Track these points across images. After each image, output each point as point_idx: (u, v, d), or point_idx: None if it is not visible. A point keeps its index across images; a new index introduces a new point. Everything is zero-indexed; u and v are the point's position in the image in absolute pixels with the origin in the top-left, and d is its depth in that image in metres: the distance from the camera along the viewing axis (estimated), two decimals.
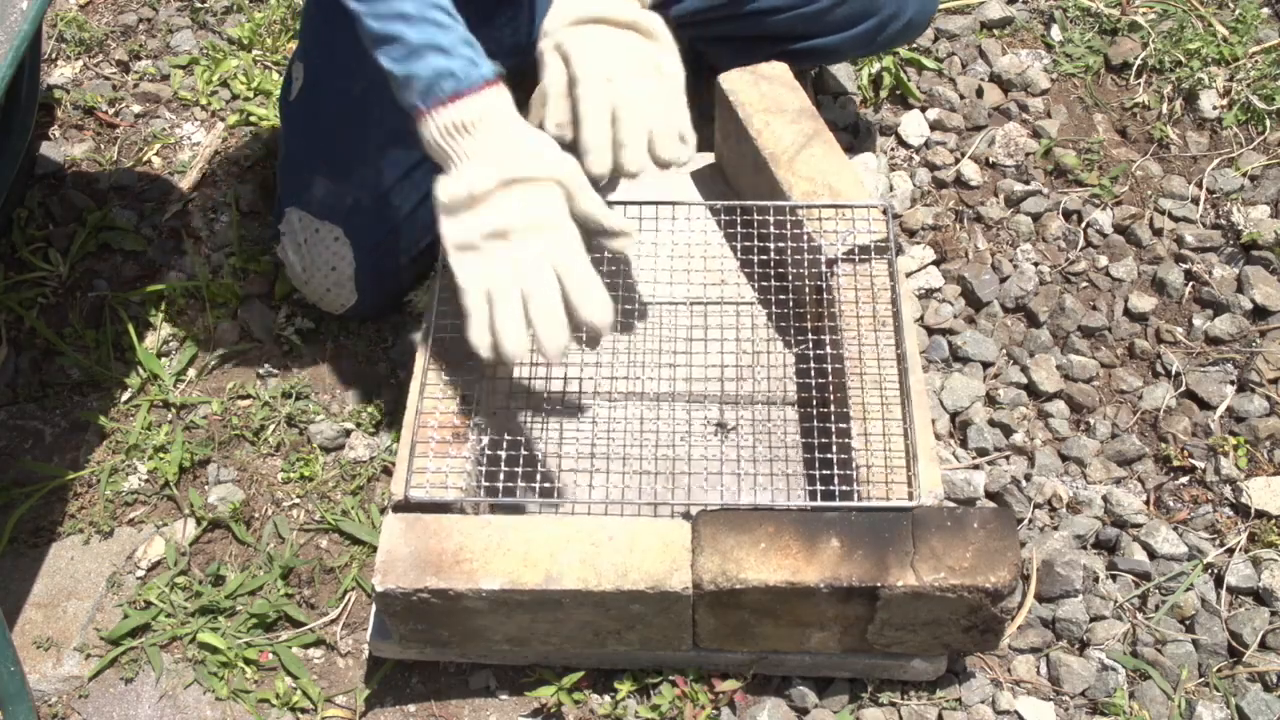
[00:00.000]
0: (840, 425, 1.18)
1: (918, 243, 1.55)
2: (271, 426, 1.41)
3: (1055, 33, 1.77)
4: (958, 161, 1.63)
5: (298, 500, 1.36)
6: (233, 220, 1.59)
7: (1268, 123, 1.63)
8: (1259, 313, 1.45)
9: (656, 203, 1.35)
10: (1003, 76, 1.71)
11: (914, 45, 1.75)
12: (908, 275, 1.51)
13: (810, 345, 1.25)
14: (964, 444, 1.37)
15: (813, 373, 1.24)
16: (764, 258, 1.34)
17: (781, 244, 1.31)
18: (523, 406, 1.31)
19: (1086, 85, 1.71)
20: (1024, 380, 1.42)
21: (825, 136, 1.34)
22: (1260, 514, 1.29)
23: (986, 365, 1.44)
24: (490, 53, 1.39)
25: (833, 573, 1.04)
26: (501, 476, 1.16)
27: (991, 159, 1.63)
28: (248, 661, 1.24)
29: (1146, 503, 1.33)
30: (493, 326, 1.07)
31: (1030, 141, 1.64)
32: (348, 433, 1.40)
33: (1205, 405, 1.39)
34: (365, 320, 1.49)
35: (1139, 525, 1.29)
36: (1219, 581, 1.26)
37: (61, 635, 1.27)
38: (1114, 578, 1.27)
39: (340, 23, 1.41)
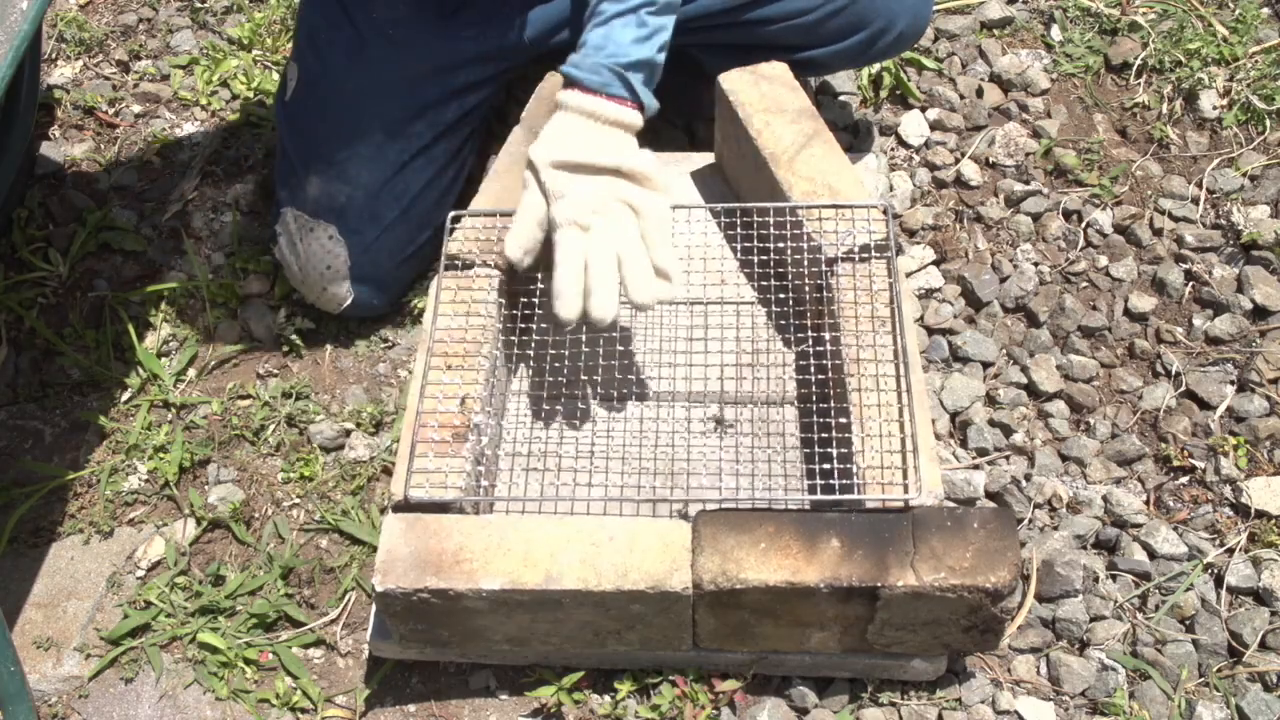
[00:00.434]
0: (840, 425, 1.18)
1: (918, 243, 1.55)
2: (271, 426, 1.41)
3: (1055, 33, 1.77)
4: (958, 161, 1.63)
5: (298, 500, 1.36)
6: (233, 220, 1.59)
7: (1268, 123, 1.63)
8: (1259, 313, 1.45)
9: None
10: (1003, 76, 1.71)
11: (914, 45, 1.75)
12: (908, 275, 1.51)
13: (810, 345, 1.25)
14: (964, 444, 1.37)
15: (813, 372, 1.24)
16: (764, 258, 1.34)
17: (781, 244, 1.31)
18: (523, 406, 1.31)
19: (1086, 85, 1.71)
20: (1024, 380, 1.42)
21: (825, 136, 1.34)
22: (1260, 514, 1.29)
23: (986, 365, 1.44)
24: (450, 58, 1.40)
25: (833, 573, 1.04)
26: (501, 476, 1.16)
27: (991, 159, 1.63)
28: (248, 661, 1.24)
29: (1146, 503, 1.33)
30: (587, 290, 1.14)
31: (1030, 141, 1.64)
32: (348, 433, 1.40)
33: (1205, 405, 1.39)
34: (364, 319, 1.49)
35: (1139, 525, 1.29)
36: (1219, 581, 1.26)
37: (61, 635, 1.27)
38: (1114, 578, 1.26)
39: (333, 21, 1.42)
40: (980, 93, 1.70)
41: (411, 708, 1.22)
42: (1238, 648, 1.21)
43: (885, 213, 1.25)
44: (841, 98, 1.70)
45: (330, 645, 1.26)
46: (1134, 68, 1.70)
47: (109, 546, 1.34)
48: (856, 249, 1.24)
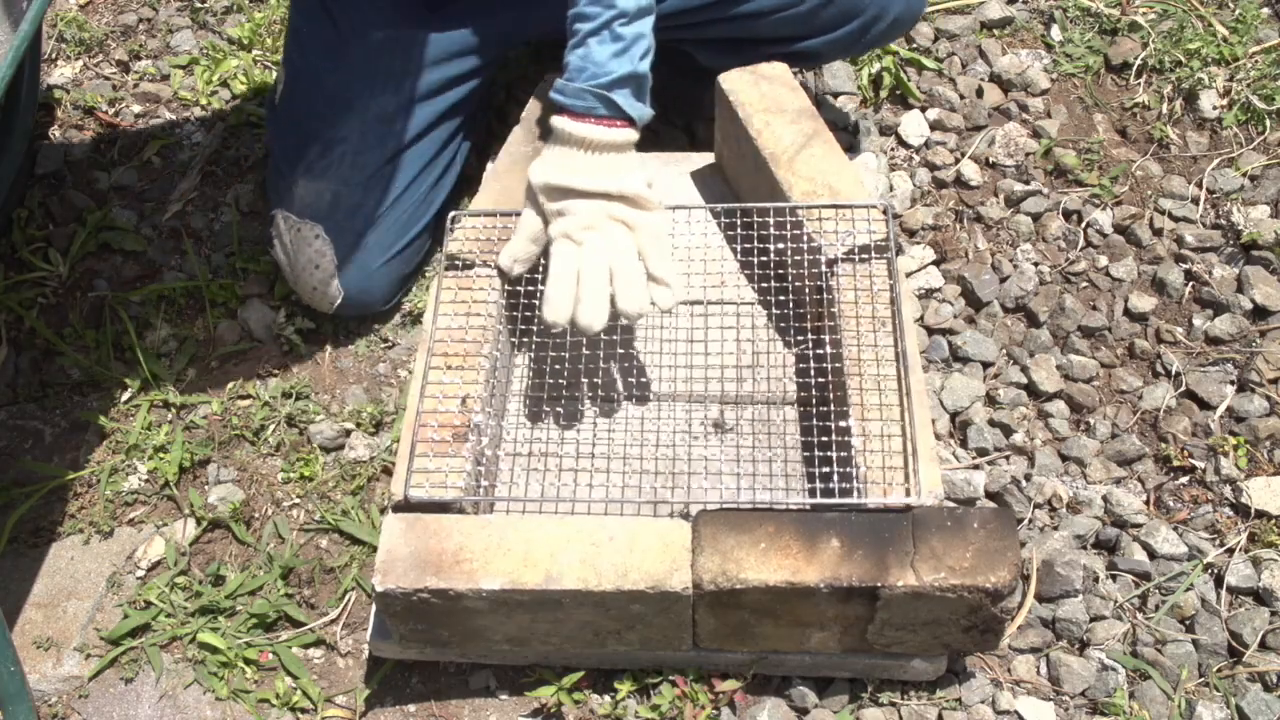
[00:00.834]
0: (840, 425, 1.18)
1: (918, 243, 1.55)
2: (271, 426, 1.41)
3: (1055, 33, 1.77)
4: (958, 161, 1.63)
5: (298, 500, 1.36)
6: (233, 220, 1.59)
7: (1268, 123, 1.63)
8: (1259, 313, 1.45)
9: None
10: (1003, 76, 1.71)
11: (914, 45, 1.75)
12: (908, 275, 1.51)
13: (810, 345, 1.25)
14: (964, 444, 1.37)
15: (813, 373, 1.24)
16: (764, 258, 1.34)
17: (782, 244, 1.31)
18: (523, 406, 1.31)
19: (1086, 85, 1.71)
20: (1024, 380, 1.42)
21: (825, 136, 1.34)
22: (1260, 514, 1.29)
23: (986, 365, 1.44)
24: (432, 53, 1.41)
25: (833, 573, 1.04)
26: (501, 476, 1.16)
27: (991, 159, 1.63)
28: (248, 661, 1.24)
29: (1146, 503, 1.33)
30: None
31: (1030, 141, 1.64)
32: (348, 433, 1.40)
33: (1205, 405, 1.39)
34: (363, 319, 1.49)
35: (1139, 525, 1.29)
36: (1219, 581, 1.26)
37: (61, 635, 1.27)
38: (1114, 578, 1.26)
39: (314, 21, 1.44)
40: (980, 93, 1.70)
41: (411, 708, 1.22)
42: (1238, 648, 1.21)
43: (885, 213, 1.25)
44: (841, 98, 1.70)
45: (330, 645, 1.26)
46: (1134, 68, 1.70)
47: (109, 546, 1.34)
48: (856, 249, 1.24)
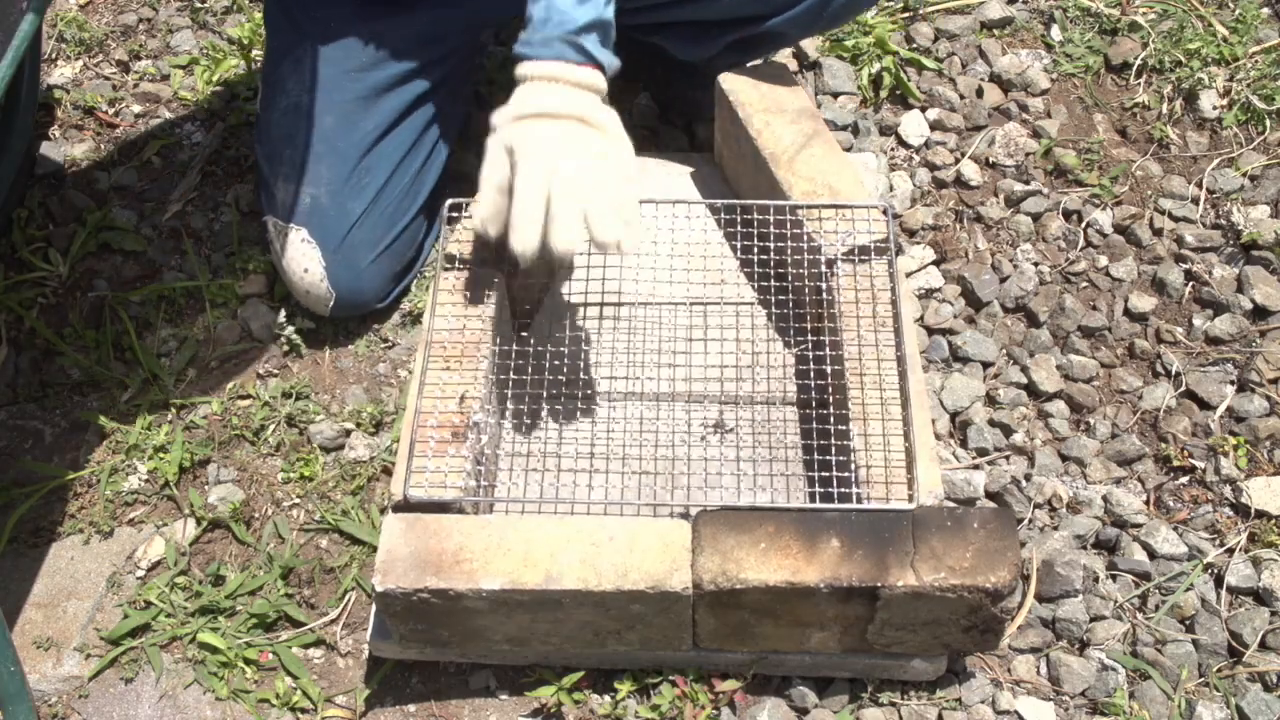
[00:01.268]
0: (840, 425, 1.18)
1: (918, 243, 1.55)
2: (271, 426, 1.41)
3: (1055, 33, 1.77)
4: (958, 161, 1.63)
5: (298, 500, 1.36)
6: (233, 220, 1.59)
7: (1268, 123, 1.63)
8: (1259, 313, 1.45)
9: (657, 201, 1.35)
10: (1003, 76, 1.71)
11: (914, 45, 1.75)
12: (908, 275, 1.51)
13: (810, 345, 1.25)
14: (964, 444, 1.37)
15: (812, 373, 1.24)
16: (764, 258, 1.34)
17: (781, 244, 1.31)
18: (522, 406, 1.31)
19: (1086, 85, 1.71)
20: (1024, 380, 1.42)
21: (825, 136, 1.34)
22: (1260, 514, 1.29)
23: (986, 365, 1.44)
24: (393, 44, 1.40)
25: (833, 573, 1.04)
26: (501, 476, 1.16)
27: (991, 159, 1.63)
28: (248, 661, 1.24)
29: (1146, 503, 1.33)
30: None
31: (1030, 141, 1.64)
32: (348, 433, 1.40)
33: (1205, 405, 1.39)
34: (362, 319, 1.49)
35: (1139, 525, 1.29)
36: (1219, 581, 1.26)
37: (61, 635, 1.27)
38: (1114, 578, 1.26)
39: (277, 26, 1.45)
40: (980, 93, 1.70)
41: (411, 708, 1.22)
42: (1238, 648, 1.21)
43: (885, 213, 1.25)
44: (841, 98, 1.70)
45: (330, 645, 1.26)
46: (1134, 68, 1.70)
47: (109, 546, 1.34)
48: (856, 249, 1.24)
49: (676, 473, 1.25)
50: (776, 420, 1.29)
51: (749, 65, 1.45)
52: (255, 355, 1.48)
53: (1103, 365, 1.43)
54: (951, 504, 1.28)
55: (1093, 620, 1.23)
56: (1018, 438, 1.37)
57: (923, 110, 1.68)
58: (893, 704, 1.18)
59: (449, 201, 1.29)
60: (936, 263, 1.53)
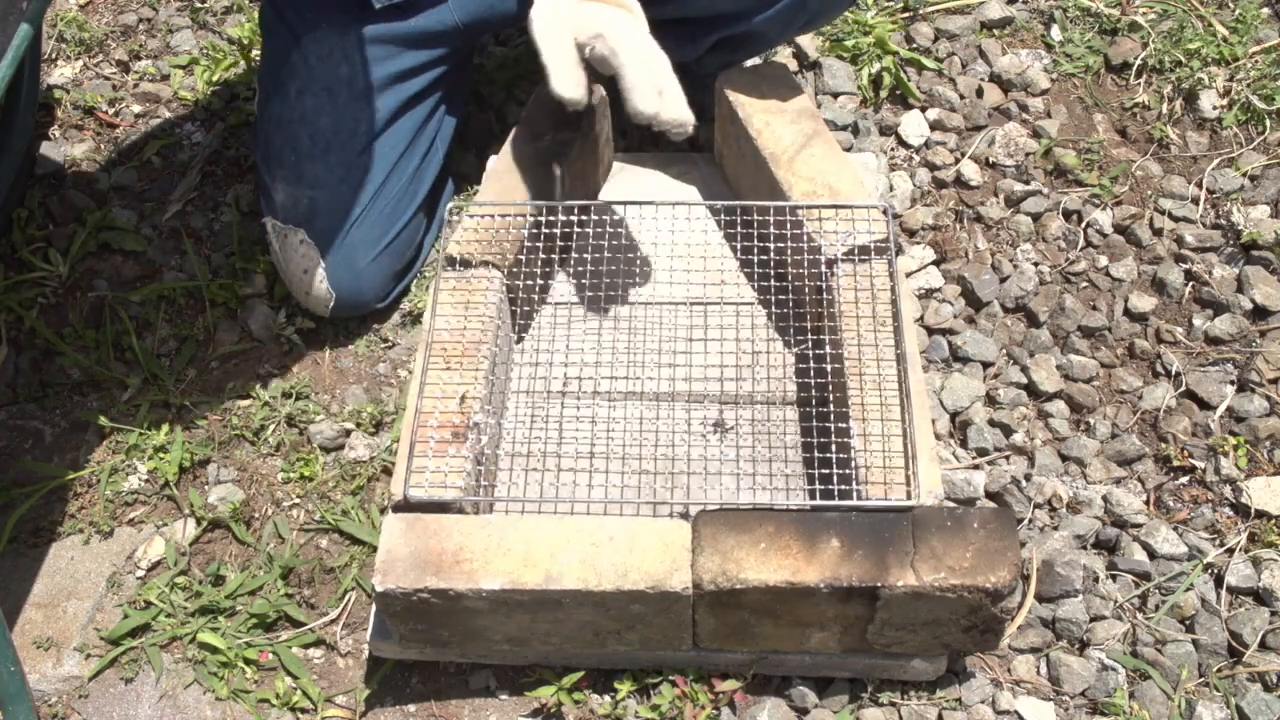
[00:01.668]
0: (840, 425, 1.18)
1: (918, 243, 1.55)
2: (271, 426, 1.41)
3: (1055, 33, 1.77)
4: (958, 161, 1.63)
5: (298, 500, 1.36)
6: (233, 220, 1.59)
7: (1268, 123, 1.63)
8: (1259, 313, 1.45)
9: (657, 203, 1.35)
10: (1003, 76, 1.71)
11: (914, 45, 1.75)
12: (908, 275, 1.51)
13: (810, 345, 1.25)
14: (964, 444, 1.37)
15: (812, 373, 1.24)
16: (764, 258, 1.34)
17: (781, 244, 1.31)
18: (523, 406, 1.31)
19: (1086, 85, 1.71)
20: (1024, 380, 1.42)
21: (825, 136, 1.34)
22: (1260, 514, 1.29)
23: (986, 365, 1.44)
24: (385, 45, 1.40)
25: (833, 573, 1.04)
26: (501, 476, 1.16)
27: (991, 159, 1.63)
28: (248, 661, 1.24)
29: (1146, 503, 1.33)
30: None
31: (1030, 141, 1.64)
32: (348, 433, 1.40)
33: (1205, 405, 1.39)
34: (362, 319, 1.49)
35: (1139, 525, 1.29)
36: (1219, 581, 1.26)
37: (61, 635, 1.27)
38: (1114, 578, 1.26)
39: (271, 29, 1.45)
40: (980, 93, 1.70)
41: (411, 708, 1.22)
42: (1238, 648, 1.21)
43: (885, 213, 1.25)
44: (841, 98, 1.70)
45: (330, 645, 1.26)
46: (1134, 68, 1.70)
47: (109, 546, 1.34)
48: (856, 249, 1.24)
49: (676, 472, 1.25)
50: (776, 420, 1.29)
51: (749, 65, 1.45)
52: (255, 355, 1.48)
53: (1103, 365, 1.43)
54: (951, 504, 1.28)
55: (1093, 620, 1.23)
56: (1018, 438, 1.37)
57: (923, 110, 1.68)
58: (893, 704, 1.18)
59: (449, 205, 1.29)
60: (936, 263, 1.53)
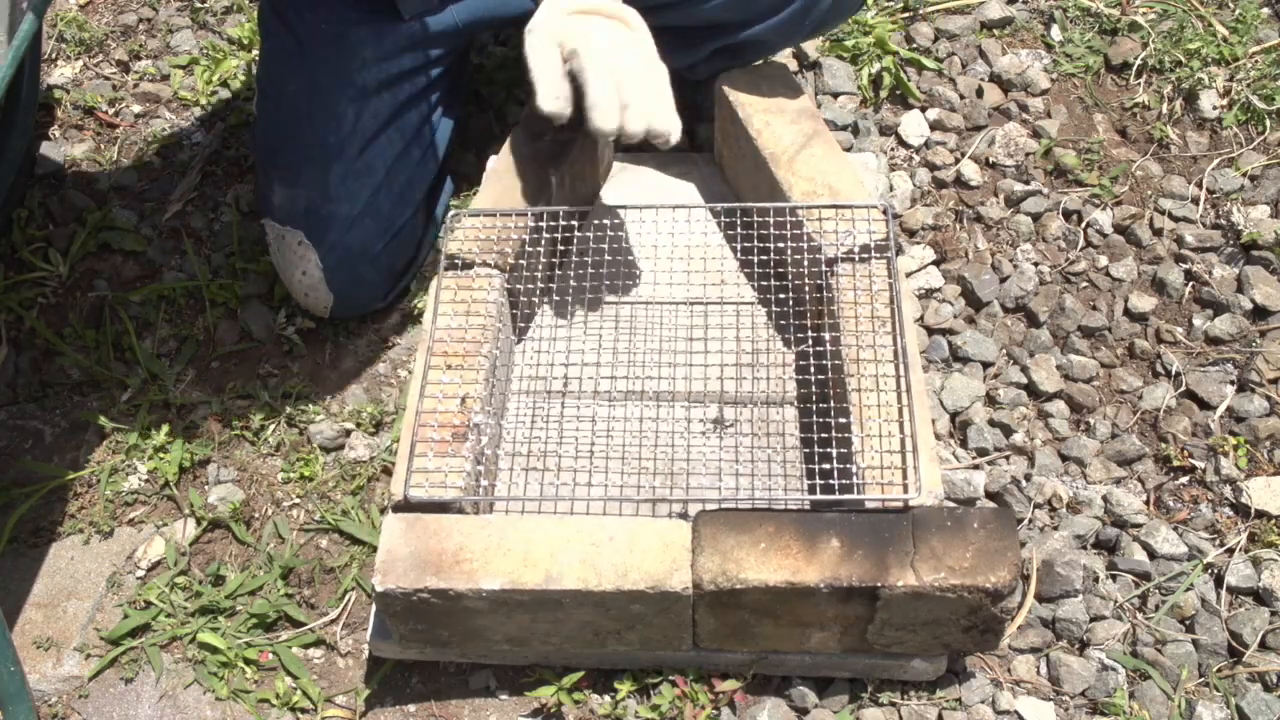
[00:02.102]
0: (840, 425, 1.18)
1: (918, 243, 1.55)
2: (271, 426, 1.41)
3: (1055, 33, 1.77)
4: (958, 161, 1.63)
5: (298, 500, 1.36)
6: (233, 220, 1.59)
7: (1268, 123, 1.63)
8: (1259, 313, 1.45)
9: (658, 206, 1.35)
10: (1003, 76, 1.71)
11: (914, 45, 1.75)
12: (908, 275, 1.51)
13: (810, 345, 1.25)
14: (964, 444, 1.37)
15: (813, 372, 1.24)
16: (764, 258, 1.34)
17: (781, 244, 1.31)
18: (523, 406, 1.31)
19: (1086, 85, 1.71)
20: (1024, 380, 1.42)
21: (825, 136, 1.34)
22: (1260, 514, 1.29)
23: (986, 365, 1.44)
24: (386, 47, 1.40)
25: (833, 573, 1.04)
26: (501, 476, 1.16)
27: (991, 159, 1.63)
28: (248, 661, 1.24)
29: (1146, 503, 1.33)
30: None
31: (1030, 141, 1.64)
32: (348, 433, 1.40)
33: (1205, 405, 1.39)
34: (363, 319, 1.49)
35: (1139, 525, 1.29)
36: (1219, 581, 1.26)
37: (61, 635, 1.27)
38: (1114, 578, 1.27)
39: (270, 30, 1.45)
40: (980, 93, 1.70)
41: (411, 708, 1.22)
42: (1238, 648, 1.21)
43: (885, 213, 1.25)
44: (841, 98, 1.70)
45: (330, 645, 1.26)
46: (1134, 68, 1.70)
47: (109, 546, 1.34)
48: (856, 249, 1.24)
49: (676, 473, 1.25)
50: (776, 420, 1.29)
51: (749, 65, 1.45)
52: (255, 355, 1.48)
53: (1103, 365, 1.43)
54: (951, 504, 1.28)
55: (1093, 620, 1.23)
56: (1018, 438, 1.37)
57: (923, 110, 1.68)
58: (893, 704, 1.18)
59: (450, 213, 1.29)
60: (936, 263, 1.53)
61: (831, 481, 1.15)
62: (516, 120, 1.41)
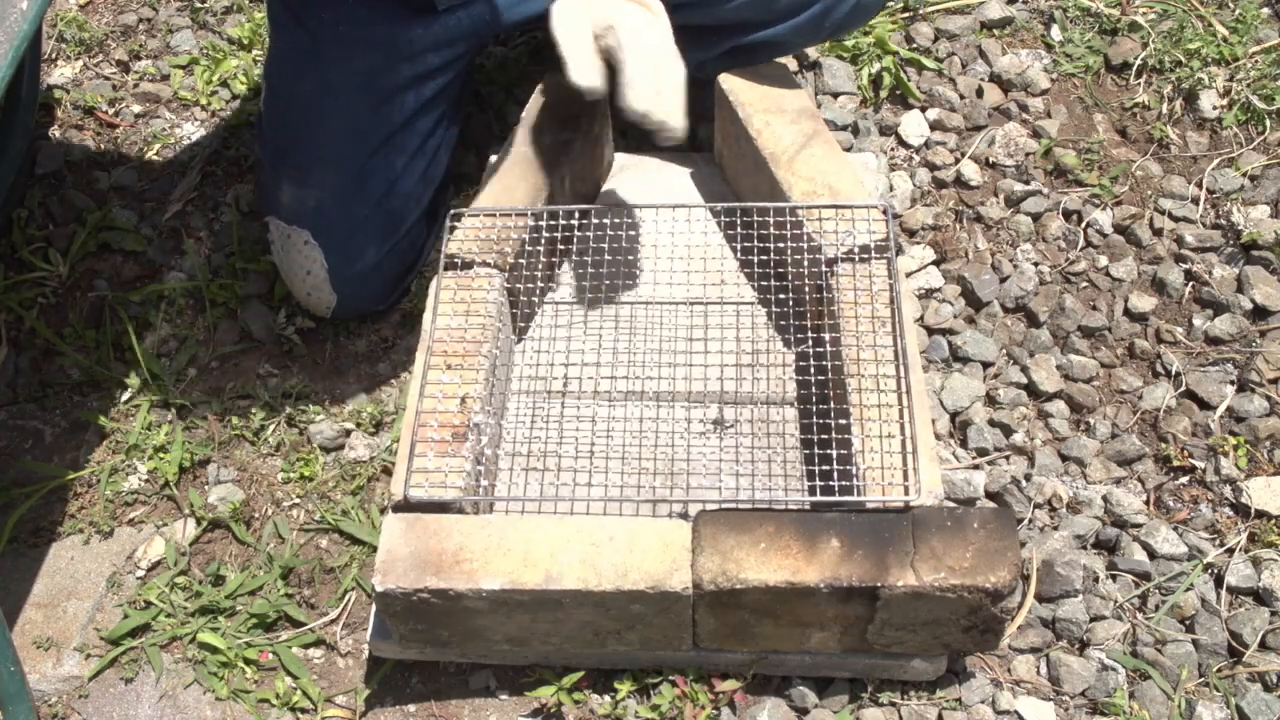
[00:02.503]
0: (840, 425, 1.18)
1: (918, 243, 1.55)
2: (271, 426, 1.41)
3: (1055, 33, 1.77)
4: (958, 161, 1.63)
5: (298, 500, 1.36)
6: (233, 220, 1.59)
7: (1268, 123, 1.63)
8: (1259, 313, 1.45)
9: (658, 206, 1.35)
10: (1003, 76, 1.71)
11: (914, 45, 1.75)
12: (908, 275, 1.51)
13: (810, 345, 1.25)
14: (964, 444, 1.37)
15: (813, 372, 1.24)
16: (764, 258, 1.34)
17: (781, 244, 1.31)
18: (523, 406, 1.31)
19: (1086, 85, 1.71)
20: (1024, 380, 1.42)
21: (825, 136, 1.34)
22: (1260, 514, 1.29)
23: (986, 365, 1.44)
24: (403, 48, 1.39)
25: (833, 573, 1.04)
26: (501, 476, 1.16)
27: (991, 159, 1.63)
28: (248, 661, 1.24)
29: (1146, 503, 1.33)
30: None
31: (1030, 141, 1.64)
32: (348, 433, 1.40)
33: (1205, 405, 1.39)
34: (362, 319, 1.49)
35: (1139, 525, 1.29)
36: (1219, 581, 1.26)
37: (61, 635, 1.27)
38: (1114, 578, 1.26)
39: (284, 26, 1.44)
40: (980, 93, 1.70)
41: (411, 708, 1.22)
42: (1238, 648, 1.21)
43: (885, 213, 1.25)
44: (841, 98, 1.70)
45: (330, 645, 1.26)
46: (1134, 68, 1.70)
47: (109, 546, 1.34)
48: (856, 249, 1.24)
49: (676, 473, 1.25)
50: (776, 420, 1.29)
51: (713, 57, 1.44)
52: (255, 355, 1.48)
53: (1103, 365, 1.43)
54: (951, 504, 1.28)
55: (1093, 620, 1.23)
56: (1018, 438, 1.37)
57: (923, 110, 1.68)
58: (893, 704, 1.18)
59: (451, 212, 1.29)
60: (936, 263, 1.53)
61: (831, 483, 1.15)
62: (516, 120, 1.41)
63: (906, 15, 1.78)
